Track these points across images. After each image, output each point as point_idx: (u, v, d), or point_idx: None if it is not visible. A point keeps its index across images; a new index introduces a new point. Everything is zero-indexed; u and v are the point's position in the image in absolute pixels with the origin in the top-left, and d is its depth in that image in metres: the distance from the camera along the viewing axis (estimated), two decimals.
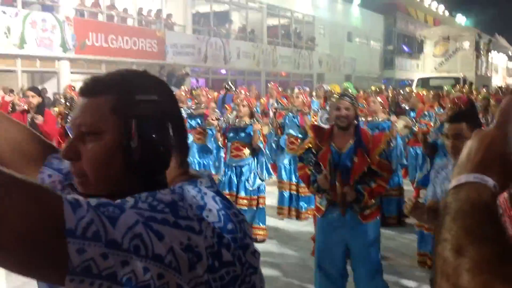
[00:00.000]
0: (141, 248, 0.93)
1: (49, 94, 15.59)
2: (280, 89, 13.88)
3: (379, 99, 7.68)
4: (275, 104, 10.61)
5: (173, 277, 0.96)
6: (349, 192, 4.07)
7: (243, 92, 10.07)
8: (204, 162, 8.35)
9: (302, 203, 7.90)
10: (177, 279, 0.96)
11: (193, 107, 8.68)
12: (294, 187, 7.90)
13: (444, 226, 0.82)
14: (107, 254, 0.90)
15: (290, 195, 7.88)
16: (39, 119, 6.78)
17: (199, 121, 8.31)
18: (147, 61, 20.71)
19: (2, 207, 0.84)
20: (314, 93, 13.10)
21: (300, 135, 7.87)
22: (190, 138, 8.01)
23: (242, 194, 6.79)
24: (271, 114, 10.21)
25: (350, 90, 10.00)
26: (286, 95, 10.27)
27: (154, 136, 1.09)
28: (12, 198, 0.85)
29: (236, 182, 6.83)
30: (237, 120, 6.91)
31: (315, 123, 7.89)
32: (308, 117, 7.98)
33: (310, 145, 4.34)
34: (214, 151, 8.53)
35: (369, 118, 7.55)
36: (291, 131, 7.99)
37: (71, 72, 18.00)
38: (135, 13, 20.78)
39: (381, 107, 7.52)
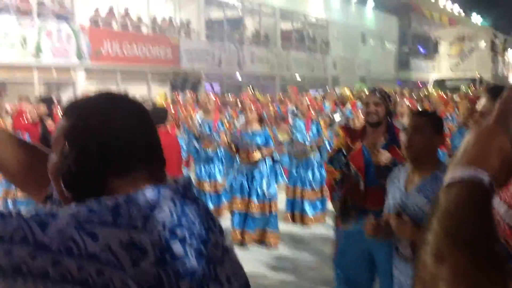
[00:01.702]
0: (74, 249, 1.00)
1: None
2: None
3: (406, 102, 7.49)
4: (294, 109, 10.54)
5: (114, 273, 1.00)
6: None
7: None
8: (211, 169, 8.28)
9: (307, 208, 7.88)
10: (120, 275, 1.01)
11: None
12: (299, 192, 7.89)
13: (429, 228, 0.78)
14: (35, 255, 0.98)
15: (294, 200, 7.85)
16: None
17: (208, 129, 8.23)
18: (162, 68, 20.87)
19: None
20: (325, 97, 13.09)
21: (305, 141, 7.87)
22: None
23: (255, 199, 6.80)
24: (290, 120, 10.13)
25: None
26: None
27: (83, 163, 1.16)
28: None
29: (248, 188, 6.84)
30: (244, 126, 6.95)
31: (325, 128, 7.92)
32: (315, 124, 7.97)
33: (341, 146, 4.16)
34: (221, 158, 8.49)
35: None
36: (298, 136, 8.00)
37: (87, 81, 18.20)
38: (149, 21, 20.96)
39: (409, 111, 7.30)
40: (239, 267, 1.29)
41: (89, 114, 1.20)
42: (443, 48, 32.28)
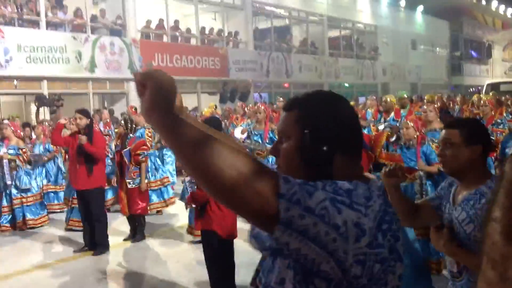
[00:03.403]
0: (326, 217, 1.26)
1: (118, 115, 16.24)
2: None
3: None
4: None
5: (342, 243, 1.27)
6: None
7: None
8: None
9: None
10: (344, 245, 1.28)
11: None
12: None
13: (496, 200, 0.73)
14: (304, 216, 1.25)
15: None
16: (82, 140, 7.11)
17: (260, 139, 8.34)
18: (211, 78, 21.20)
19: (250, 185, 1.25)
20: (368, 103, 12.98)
21: None
22: None
23: None
24: None
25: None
26: None
27: (321, 142, 1.46)
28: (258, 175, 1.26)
29: None
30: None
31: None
32: (368, 129, 7.98)
33: None
34: None
35: (424, 128, 7.33)
36: None
37: None
38: (197, 32, 21.36)
39: (437, 117, 7.37)
40: None
41: (312, 104, 1.53)
42: (496, 52, 31.37)
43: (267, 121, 8.55)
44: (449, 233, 2.58)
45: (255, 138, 8.32)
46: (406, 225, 2.93)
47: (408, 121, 6.51)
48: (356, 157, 1.54)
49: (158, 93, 1.30)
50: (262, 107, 8.71)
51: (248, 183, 1.24)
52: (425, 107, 8.29)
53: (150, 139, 9.12)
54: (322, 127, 1.47)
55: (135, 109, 11.20)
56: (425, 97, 12.08)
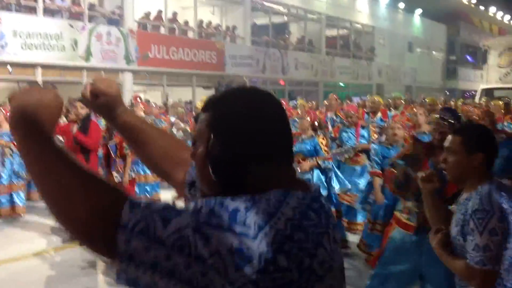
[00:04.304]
0: (185, 248, 1.08)
1: None
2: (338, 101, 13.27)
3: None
4: (334, 118, 10.37)
5: (216, 276, 1.08)
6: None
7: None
8: None
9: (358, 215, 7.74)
10: (220, 278, 1.08)
11: None
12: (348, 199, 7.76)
13: None
14: (150, 248, 1.09)
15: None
16: (73, 130, 7.16)
17: None
18: (207, 72, 21.13)
19: (80, 197, 1.13)
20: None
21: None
22: None
23: None
24: (330, 127, 9.99)
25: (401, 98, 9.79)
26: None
27: (231, 148, 1.25)
28: (89, 193, 1.14)
29: None
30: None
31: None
32: (365, 130, 7.94)
33: (407, 154, 4.15)
34: None
35: (414, 131, 7.34)
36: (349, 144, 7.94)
37: (134, 84, 18.59)
38: (195, 25, 21.27)
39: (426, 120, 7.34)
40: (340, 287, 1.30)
41: (226, 105, 1.30)
42: (492, 57, 31.39)
43: None
44: (442, 236, 2.59)
45: None
46: None
47: (396, 122, 6.47)
48: (283, 163, 1.30)
49: (24, 115, 1.23)
50: None
51: (88, 209, 1.13)
52: (415, 110, 8.26)
53: None
54: (233, 131, 1.26)
55: (140, 98, 11.07)
56: (427, 100, 11.97)
